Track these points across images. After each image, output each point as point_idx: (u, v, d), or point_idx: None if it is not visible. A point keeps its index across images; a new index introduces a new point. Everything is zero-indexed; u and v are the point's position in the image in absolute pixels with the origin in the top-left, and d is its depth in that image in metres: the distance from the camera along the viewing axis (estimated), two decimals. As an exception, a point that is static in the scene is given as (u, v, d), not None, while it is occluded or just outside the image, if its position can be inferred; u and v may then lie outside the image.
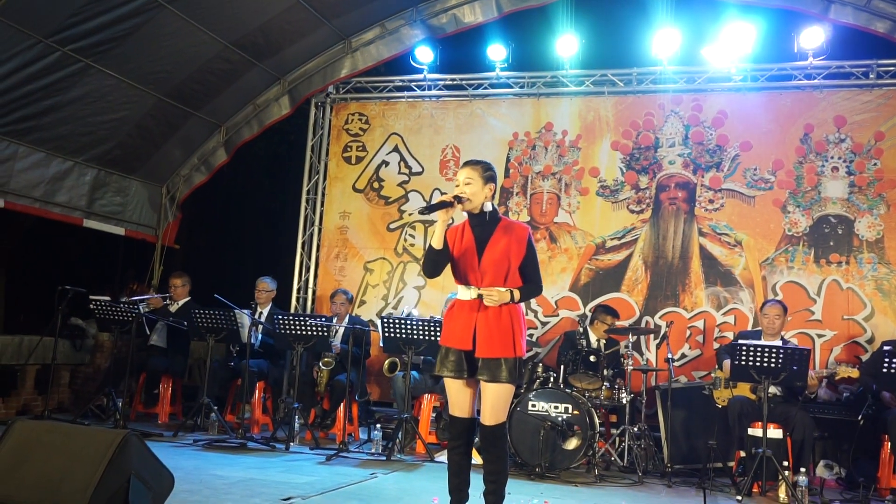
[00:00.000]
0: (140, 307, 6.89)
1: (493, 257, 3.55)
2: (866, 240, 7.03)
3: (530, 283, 3.64)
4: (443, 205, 3.51)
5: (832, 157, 7.22)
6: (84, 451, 3.16)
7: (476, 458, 3.95)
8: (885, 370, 5.17)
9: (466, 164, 3.68)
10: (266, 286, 7.50)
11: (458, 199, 3.55)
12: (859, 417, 5.82)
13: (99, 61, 7.00)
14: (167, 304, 7.59)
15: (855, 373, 5.71)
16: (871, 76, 7.23)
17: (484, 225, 3.61)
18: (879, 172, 7.09)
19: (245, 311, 6.80)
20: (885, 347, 5.52)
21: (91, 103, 7.34)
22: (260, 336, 6.95)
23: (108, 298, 6.96)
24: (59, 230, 8.38)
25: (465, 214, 3.69)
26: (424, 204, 8.19)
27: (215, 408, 6.55)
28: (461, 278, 3.60)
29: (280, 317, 6.45)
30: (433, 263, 3.57)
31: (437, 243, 3.52)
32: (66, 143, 7.55)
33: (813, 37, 7.22)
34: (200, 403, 6.57)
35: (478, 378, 3.54)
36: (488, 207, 3.62)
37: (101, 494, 3.06)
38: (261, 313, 7.29)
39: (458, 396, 3.58)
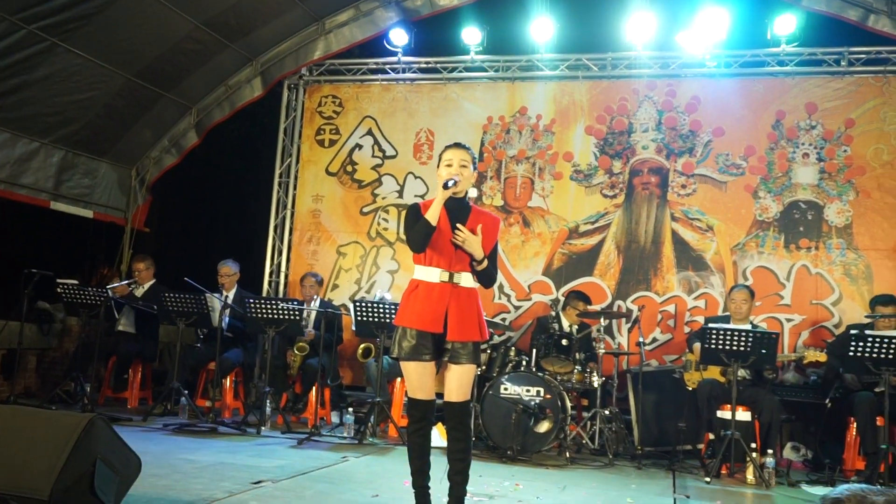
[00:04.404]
0: (108, 291, 6.79)
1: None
2: (835, 225, 7.12)
3: (493, 268, 3.63)
4: (453, 181, 3.49)
5: (803, 144, 7.29)
6: (48, 435, 3.10)
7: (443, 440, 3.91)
8: (851, 353, 5.25)
9: (459, 146, 3.61)
10: (229, 270, 7.34)
11: (454, 181, 3.51)
12: (826, 400, 5.91)
13: (66, 40, 6.84)
14: (132, 289, 7.48)
15: (822, 357, 5.79)
16: (843, 63, 7.29)
17: (461, 209, 3.58)
18: (849, 159, 7.17)
19: (216, 294, 6.72)
20: (852, 331, 5.60)
21: (58, 83, 7.19)
22: (227, 319, 6.87)
23: (75, 282, 6.85)
24: (25, 212, 8.21)
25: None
26: (396, 188, 8.20)
27: (185, 392, 6.48)
28: (432, 260, 3.55)
29: (252, 300, 6.39)
30: (426, 239, 3.49)
31: (435, 220, 3.48)
32: (33, 123, 7.40)
33: (786, 23, 7.26)
34: (170, 388, 6.50)
35: (443, 360, 3.53)
36: (473, 193, 3.60)
37: (65, 478, 3.00)
38: (226, 297, 7.16)
39: (422, 379, 3.53)
